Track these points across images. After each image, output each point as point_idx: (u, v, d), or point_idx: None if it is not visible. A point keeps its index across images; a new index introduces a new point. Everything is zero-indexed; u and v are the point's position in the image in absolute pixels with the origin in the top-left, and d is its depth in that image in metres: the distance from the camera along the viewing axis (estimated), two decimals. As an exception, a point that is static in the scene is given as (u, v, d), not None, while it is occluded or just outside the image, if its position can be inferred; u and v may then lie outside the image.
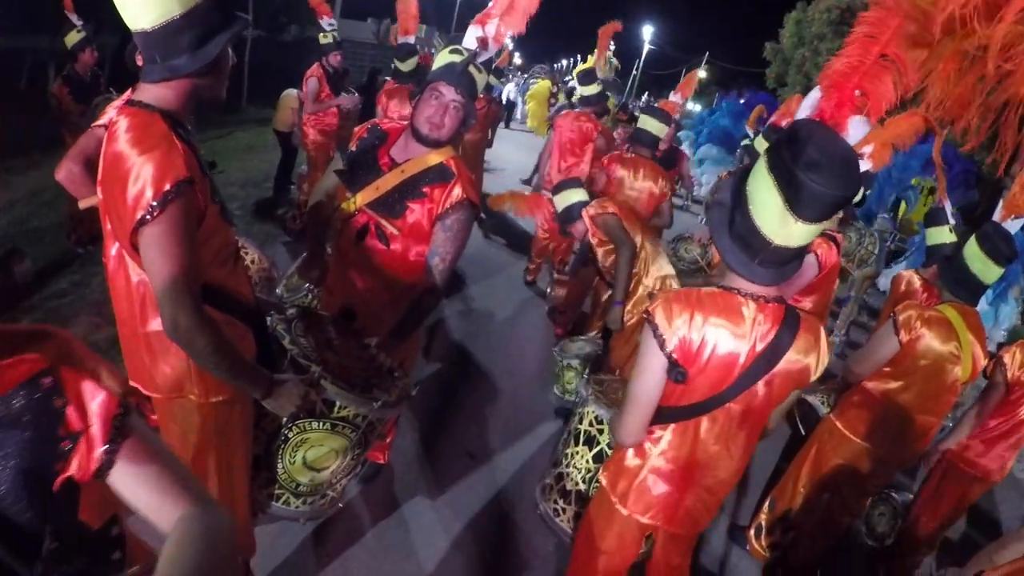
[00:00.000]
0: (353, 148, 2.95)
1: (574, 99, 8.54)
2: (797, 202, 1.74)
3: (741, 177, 1.95)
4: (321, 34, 7.46)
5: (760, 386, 2.05)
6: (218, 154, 10.60)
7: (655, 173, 5.41)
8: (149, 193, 1.73)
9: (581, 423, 3.09)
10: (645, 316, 2.05)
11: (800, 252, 1.91)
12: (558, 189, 4.68)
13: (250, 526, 2.58)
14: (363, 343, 2.68)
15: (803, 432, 4.08)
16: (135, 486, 1.17)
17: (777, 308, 2.02)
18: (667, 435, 2.19)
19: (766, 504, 3.81)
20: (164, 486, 1.19)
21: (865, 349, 3.42)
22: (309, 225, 3.21)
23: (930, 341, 3.14)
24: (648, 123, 5.47)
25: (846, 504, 3.57)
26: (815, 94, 2.02)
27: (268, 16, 19.61)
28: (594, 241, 4.39)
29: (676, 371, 2.00)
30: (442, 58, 2.83)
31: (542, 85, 14.04)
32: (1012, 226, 3.68)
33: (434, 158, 2.81)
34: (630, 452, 2.28)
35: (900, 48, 1.86)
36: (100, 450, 1.12)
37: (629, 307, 4.29)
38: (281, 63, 17.05)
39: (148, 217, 1.74)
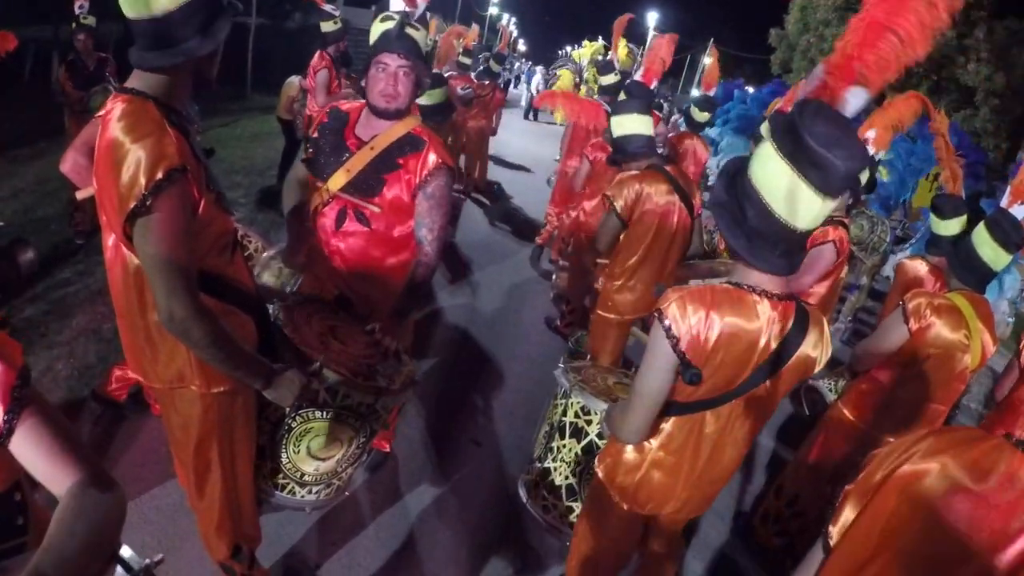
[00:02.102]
0: (314, 135, 2.87)
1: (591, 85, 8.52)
2: (825, 180, 1.70)
3: (735, 172, 1.91)
4: (326, 21, 7.27)
5: (769, 381, 2.05)
6: (223, 142, 10.59)
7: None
8: (142, 181, 1.71)
9: (565, 415, 2.97)
10: (656, 313, 1.99)
11: (808, 235, 1.88)
12: (616, 111, 4.10)
13: (255, 516, 2.57)
14: (366, 328, 2.65)
15: (808, 414, 4.06)
16: (32, 454, 1.25)
17: (788, 305, 1.99)
18: (667, 428, 2.17)
19: (772, 492, 3.80)
20: (59, 455, 1.26)
21: (873, 338, 3.39)
22: (285, 212, 3.14)
23: (940, 329, 3.11)
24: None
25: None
26: (818, 71, 2.00)
27: (271, 4, 19.54)
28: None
29: (690, 372, 1.94)
30: (376, 29, 2.78)
31: (565, 76, 14.00)
32: (1019, 211, 3.65)
33: (400, 129, 2.77)
34: (628, 447, 2.26)
35: (909, 25, 1.87)
36: (0, 419, 1.20)
37: (604, 312, 4.21)
38: (285, 51, 17.00)
39: (140, 206, 1.72)
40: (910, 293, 3.25)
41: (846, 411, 3.45)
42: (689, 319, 1.93)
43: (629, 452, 2.26)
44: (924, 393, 3.24)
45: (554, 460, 3.01)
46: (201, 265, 1.93)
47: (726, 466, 2.26)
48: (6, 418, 1.20)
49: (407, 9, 2.86)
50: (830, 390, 4.15)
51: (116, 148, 1.75)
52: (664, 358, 1.98)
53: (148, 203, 1.72)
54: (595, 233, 5.08)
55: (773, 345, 1.98)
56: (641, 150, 3.91)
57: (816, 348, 2.05)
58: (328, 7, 7.39)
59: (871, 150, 4.95)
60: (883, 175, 8.74)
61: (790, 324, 1.98)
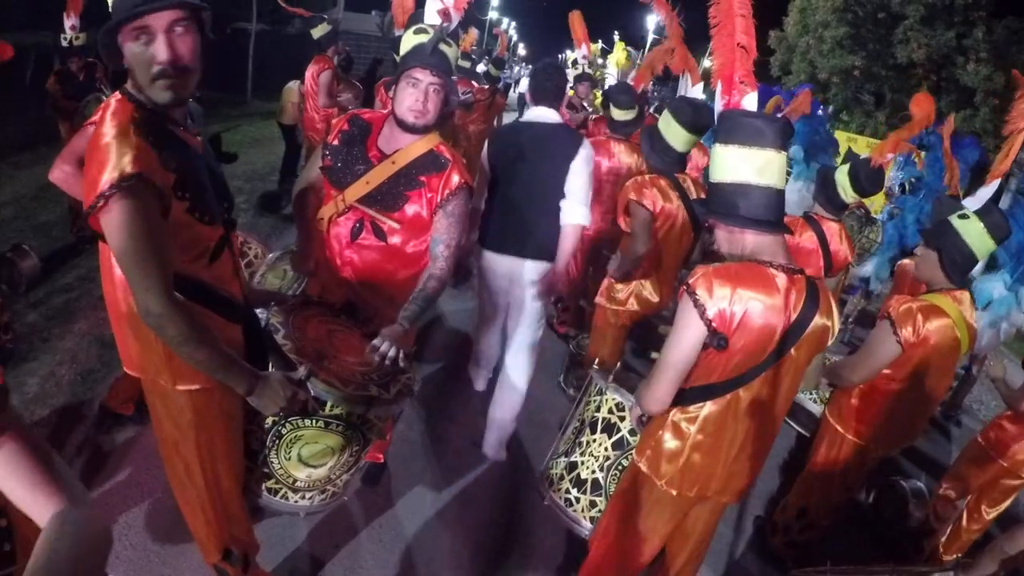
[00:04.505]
0: (335, 142, 2.83)
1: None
2: (762, 137, 2.09)
3: (707, 188, 2.27)
4: (316, 27, 7.25)
5: (793, 351, 2.19)
6: (223, 147, 10.58)
7: (632, 149, 5.24)
8: (99, 181, 1.72)
9: (599, 411, 3.04)
10: (685, 288, 2.15)
11: (783, 194, 2.19)
12: (682, 120, 4.04)
13: (246, 522, 2.58)
14: (366, 334, 2.61)
15: (808, 436, 4.04)
16: (10, 480, 1.20)
17: (801, 278, 2.17)
18: (704, 412, 2.27)
19: (781, 504, 3.79)
20: (38, 483, 1.21)
21: (862, 354, 3.25)
22: (297, 216, 3.14)
23: (936, 339, 3.05)
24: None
25: (847, 488, 3.57)
26: (718, 91, 2.46)
27: (271, 10, 19.57)
28: (622, 224, 4.20)
29: (718, 338, 2.09)
30: (408, 41, 2.75)
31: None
32: (987, 190, 3.60)
33: (423, 146, 2.76)
34: (667, 435, 2.34)
35: (744, 31, 2.37)
36: None
37: (604, 302, 4.23)
38: (285, 57, 17.02)
39: (94, 207, 1.73)
40: (893, 303, 3.18)
41: (839, 427, 3.40)
42: (717, 293, 2.09)
43: (669, 440, 2.34)
44: (922, 401, 3.23)
45: (582, 454, 3.07)
46: (178, 268, 1.92)
47: (763, 440, 2.36)
48: None
49: (441, 24, 2.82)
50: (813, 401, 4.15)
51: (90, 146, 1.80)
52: (692, 329, 2.13)
53: (101, 204, 1.72)
54: (602, 232, 5.26)
55: (793, 315, 2.13)
56: (669, 164, 3.91)
57: (828, 318, 2.22)
58: (297, 10, 7.40)
59: (889, 157, 4.94)
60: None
61: (805, 295, 2.15)
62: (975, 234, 3.08)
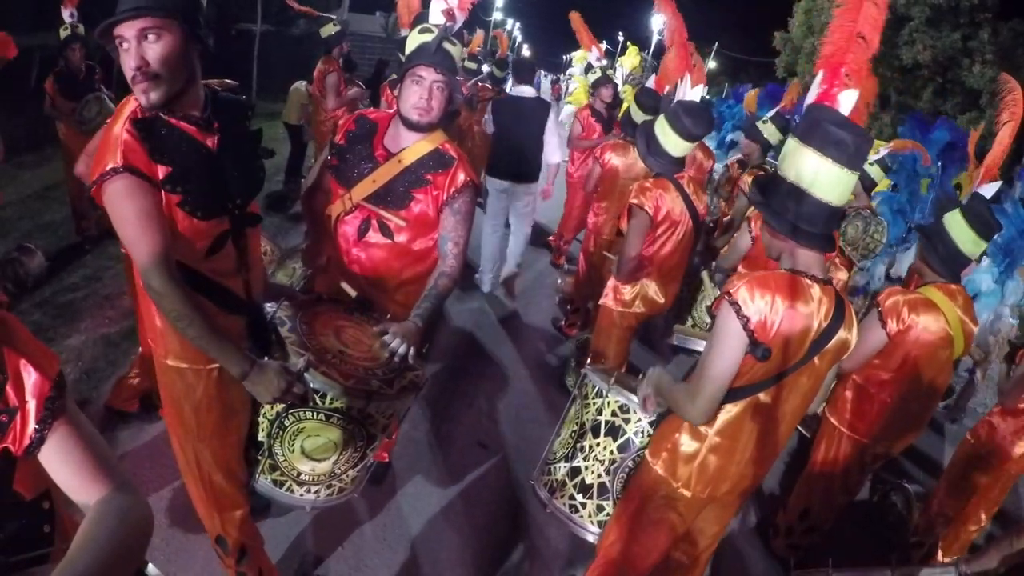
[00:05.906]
0: (341, 142, 2.86)
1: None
2: (843, 154, 2.02)
3: (768, 178, 2.22)
4: (325, 26, 7.33)
5: (816, 360, 2.21)
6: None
7: None
8: (96, 171, 1.91)
9: (601, 414, 2.96)
10: (726, 296, 2.13)
11: (841, 212, 2.20)
12: (674, 122, 4.02)
13: (238, 515, 2.59)
14: (379, 331, 2.58)
15: (808, 436, 4.03)
16: (60, 465, 1.25)
17: (831, 289, 2.19)
18: (724, 415, 2.27)
19: (782, 506, 3.79)
20: (87, 468, 1.26)
21: None
22: (306, 214, 3.18)
23: (920, 331, 3.09)
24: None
25: (848, 489, 3.57)
26: (818, 79, 2.31)
27: (276, 11, 19.59)
28: (622, 226, 4.17)
29: (761, 348, 2.08)
30: (413, 40, 2.76)
31: (580, 85, 13.90)
32: (988, 190, 3.61)
33: (428, 144, 2.78)
34: (685, 437, 2.35)
35: (869, 27, 2.24)
36: (32, 428, 1.21)
37: (611, 303, 4.23)
38: (290, 57, 17.04)
39: (90, 190, 1.95)
40: (884, 293, 3.23)
41: (835, 421, 3.42)
42: (758, 302, 2.09)
43: (686, 442, 2.34)
44: (912, 395, 3.22)
45: (585, 459, 3.00)
46: (176, 257, 2.01)
47: (775, 444, 2.37)
48: (37, 427, 1.21)
49: (445, 23, 2.84)
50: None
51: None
52: (735, 338, 2.11)
53: (94, 190, 1.92)
54: (603, 232, 5.41)
55: (823, 325, 2.15)
56: (666, 167, 3.88)
57: (850, 332, 2.25)
58: (306, 9, 7.46)
59: (884, 152, 4.96)
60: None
61: (833, 306, 2.17)
62: (956, 225, 3.12)
